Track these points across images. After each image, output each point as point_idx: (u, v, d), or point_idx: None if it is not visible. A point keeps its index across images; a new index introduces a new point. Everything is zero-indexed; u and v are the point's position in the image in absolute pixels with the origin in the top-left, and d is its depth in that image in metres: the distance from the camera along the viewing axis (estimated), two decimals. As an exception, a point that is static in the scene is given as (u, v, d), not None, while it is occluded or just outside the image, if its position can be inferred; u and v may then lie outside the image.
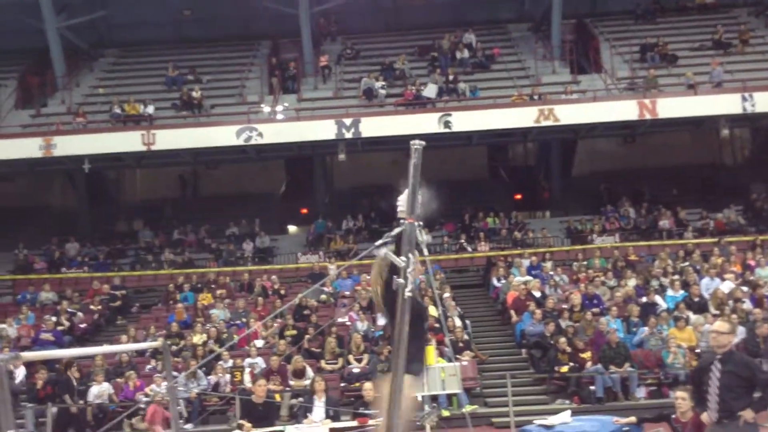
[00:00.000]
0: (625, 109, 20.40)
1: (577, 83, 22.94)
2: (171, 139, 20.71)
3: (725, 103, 20.32)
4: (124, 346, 15.05)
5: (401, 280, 4.56)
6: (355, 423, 11.18)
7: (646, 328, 15.02)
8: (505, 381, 13.93)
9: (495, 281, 18.89)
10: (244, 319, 17.12)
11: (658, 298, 16.31)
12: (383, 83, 22.88)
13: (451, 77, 22.84)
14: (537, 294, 17.04)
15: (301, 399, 13.49)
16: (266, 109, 22.58)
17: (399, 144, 20.39)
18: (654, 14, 26.36)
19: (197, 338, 16.04)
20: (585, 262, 19.65)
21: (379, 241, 4.96)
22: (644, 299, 16.38)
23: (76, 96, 24.03)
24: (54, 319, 17.74)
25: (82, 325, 18.17)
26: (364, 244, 21.56)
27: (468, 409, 13.51)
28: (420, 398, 11.23)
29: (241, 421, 10.85)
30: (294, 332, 16.12)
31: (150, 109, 22.44)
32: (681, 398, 8.16)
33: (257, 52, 26.46)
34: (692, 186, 24.80)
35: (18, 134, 21.53)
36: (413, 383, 4.96)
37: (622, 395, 13.96)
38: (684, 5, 26.74)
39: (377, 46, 26.08)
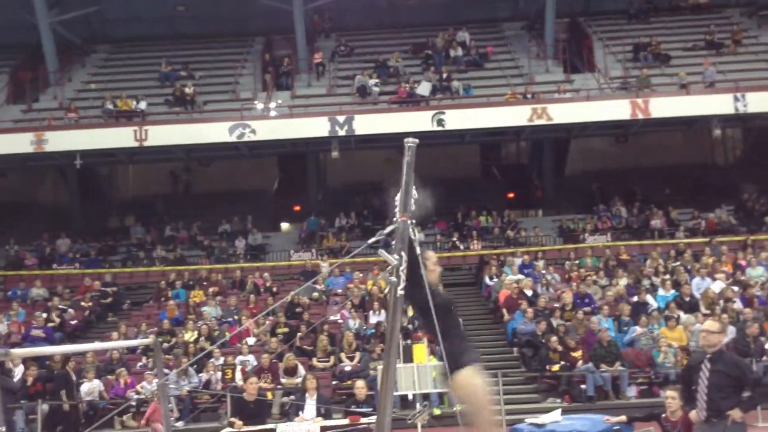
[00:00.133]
0: (617, 109, 20.45)
1: (570, 82, 22.98)
2: (163, 135, 20.63)
3: (717, 103, 20.40)
4: (115, 343, 15.00)
5: (393, 279, 4.56)
6: (346, 421, 11.17)
7: (637, 327, 15.07)
8: (496, 380, 13.95)
9: (487, 280, 18.92)
10: (235, 317, 17.09)
11: (649, 298, 16.37)
12: (377, 81, 22.87)
13: (444, 75, 22.85)
14: (529, 293, 17.08)
15: (292, 397, 13.49)
16: (259, 105, 22.53)
17: (392, 142, 20.38)
18: (647, 14, 26.44)
19: (189, 335, 16.01)
20: (577, 261, 19.71)
21: (372, 239, 4.96)
22: (635, 298, 16.44)
23: (68, 91, 23.93)
24: (45, 315, 17.67)
25: (73, 322, 18.10)
26: (356, 242, 21.57)
27: (459, 407, 13.51)
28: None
29: (232, 419, 10.84)
30: (286, 330, 16.10)
31: (142, 105, 22.36)
32: (671, 397, 8.21)
33: (251, 49, 26.39)
34: (684, 186, 24.89)
35: (9, 129, 21.43)
36: (475, 372, 4.79)
37: (612, 394, 14.02)
38: (677, 5, 26.84)
39: (371, 43, 26.06)
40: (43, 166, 24.37)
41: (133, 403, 14.00)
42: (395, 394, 12.14)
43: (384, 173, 22.13)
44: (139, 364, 15.61)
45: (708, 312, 15.26)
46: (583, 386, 14.03)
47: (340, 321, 16.72)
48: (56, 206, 26.36)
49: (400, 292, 4.54)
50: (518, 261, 19.41)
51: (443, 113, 20.38)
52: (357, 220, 23.59)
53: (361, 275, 18.83)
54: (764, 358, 13.90)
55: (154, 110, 22.65)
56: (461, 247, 22.02)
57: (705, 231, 21.71)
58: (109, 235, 24.30)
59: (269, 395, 13.50)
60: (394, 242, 4.60)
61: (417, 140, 4.61)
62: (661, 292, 16.70)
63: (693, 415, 6.64)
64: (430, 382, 12.43)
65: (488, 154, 28.61)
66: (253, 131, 20.37)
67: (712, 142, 25.88)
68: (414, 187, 4.55)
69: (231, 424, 10.67)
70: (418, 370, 12.55)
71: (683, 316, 15.25)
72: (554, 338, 14.54)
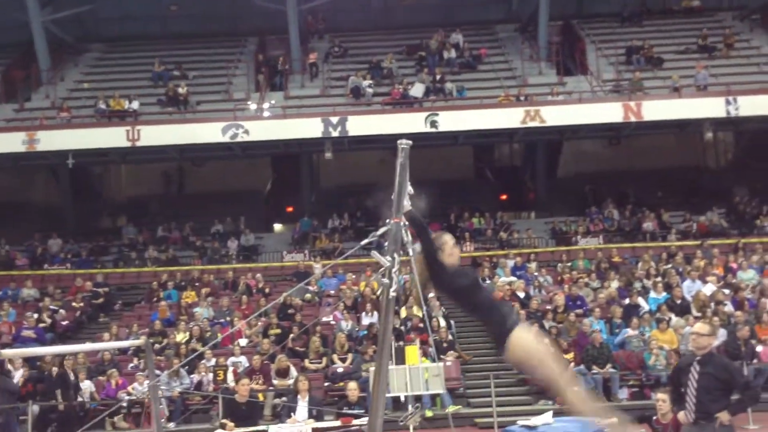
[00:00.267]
0: (610, 111, 20.51)
1: (563, 85, 23.03)
2: (156, 135, 20.56)
3: (709, 107, 20.47)
4: (107, 344, 14.92)
5: (386, 281, 4.56)
6: (338, 423, 11.16)
7: (628, 330, 15.12)
8: (488, 381, 13.97)
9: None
10: (228, 318, 17.05)
11: (640, 300, 16.42)
12: (370, 82, 22.87)
13: (438, 77, 22.87)
14: (521, 295, 17.10)
15: (284, 398, 13.45)
16: (253, 106, 22.50)
17: (386, 143, 20.41)
18: (640, 17, 26.54)
19: (180, 336, 15.95)
20: (569, 264, 19.75)
21: (365, 241, 4.95)
22: (627, 301, 16.48)
23: (60, 90, 23.82)
24: (36, 316, 17.58)
25: (64, 323, 18.01)
26: (349, 243, 21.55)
27: (451, 409, 13.53)
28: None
29: (223, 421, 10.80)
30: (278, 331, 16.07)
31: (135, 105, 22.29)
32: (662, 400, 8.23)
33: (244, 49, 26.35)
34: (676, 188, 24.99)
35: (1, 128, 21.31)
36: (523, 331, 4.67)
37: (604, 396, 14.03)
38: (670, 8, 26.96)
39: (365, 44, 26.06)
40: (35, 166, 24.26)
41: (125, 405, 13.94)
42: (387, 395, 12.12)
43: (377, 175, 22.12)
44: (131, 365, 15.55)
45: (699, 315, 15.32)
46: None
47: (333, 322, 16.71)
48: (48, 206, 26.23)
49: (392, 294, 4.54)
50: (511, 263, 19.45)
51: (437, 115, 20.40)
52: (350, 222, 23.58)
53: (353, 276, 18.82)
54: (755, 361, 13.95)
55: (147, 110, 22.57)
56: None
57: (697, 234, 21.79)
58: (101, 235, 24.22)
59: (261, 397, 13.48)
60: (386, 244, 4.60)
61: (410, 142, 4.61)
62: (652, 294, 16.75)
63: (681, 416, 6.68)
64: (422, 383, 12.42)
65: (481, 156, 28.65)
66: (247, 132, 20.33)
67: (704, 146, 25.98)
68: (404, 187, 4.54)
69: (222, 426, 10.63)
70: (411, 372, 12.54)
71: (674, 318, 15.30)
72: (546, 340, 14.53)
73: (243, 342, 15.99)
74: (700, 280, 17.16)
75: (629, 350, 14.84)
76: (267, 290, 18.85)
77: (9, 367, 14.62)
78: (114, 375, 14.62)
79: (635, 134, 23.42)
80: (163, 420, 12.11)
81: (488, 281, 18.47)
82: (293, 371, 14.41)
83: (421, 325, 15.26)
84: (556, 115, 20.60)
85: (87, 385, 14.43)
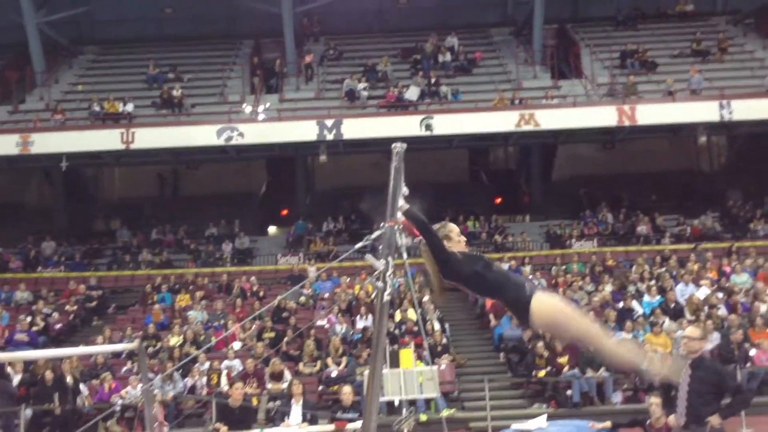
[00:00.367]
0: (604, 115, 20.56)
1: (558, 88, 23.08)
2: (150, 137, 20.52)
3: (703, 111, 20.54)
4: (100, 348, 14.84)
5: (380, 284, 4.55)
6: (332, 427, 11.14)
7: (622, 333, 15.13)
8: (482, 385, 13.98)
9: (474, 285, 18.89)
10: (222, 321, 17.00)
11: (634, 304, 16.44)
12: (366, 85, 22.87)
13: (433, 80, 22.89)
14: (516, 298, 17.07)
15: (278, 402, 13.41)
16: (248, 108, 22.48)
17: (381, 146, 20.36)
18: (634, 21, 26.64)
19: (174, 340, 15.90)
20: (563, 267, 19.78)
21: (359, 244, 4.94)
22: (621, 305, 16.50)
23: (55, 93, 23.76)
24: (29, 319, 17.49)
25: (57, 326, 17.92)
26: (344, 246, 21.53)
27: (445, 413, 13.51)
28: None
29: (217, 425, 10.78)
30: (272, 335, 16.03)
31: (129, 107, 22.24)
32: (655, 404, 8.26)
33: (239, 52, 26.34)
34: (670, 192, 25.06)
35: (-5, 130, 21.24)
36: (542, 297, 4.52)
37: (598, 400, 14.05)
38: (664, 13, 27.05)
39: (360, 47, 26.08)
40: (29, 168, 24.17)
41: (118, 409, 13.87)
42: (381, 399, 12.13)
43: (372, 178, 22.11)
44: (124, 368, 15.47)
45: (693, 318, 15.35)
46: (568, 392, 14.06)
47: (327, 326, 16.67)
48: (41, 208, 26.14)
49: (386, 297, 4.52)
50: (505, 266, 19.44)
51: (431, 118, 20.41)
52: (345, 225, 23.57)
53: (348, 280, 18.81)
54: (748, 364, 13.97)
55: (142, 113, 22.53)
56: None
57: (690, 237, 21.85)
58: (94, 238, 24.14)
59: (255, 401, 13.42)
60: (381, 247, 4.59)
61: (405, 145, 4.61)
62: (646, 298, 16.77)
63: (672, 420, 6.69)
64: (416, 387, 12.41)
65: (476, 159, 28.69)
66: (241, 134, 20.31)
67: (697, 149, 26.07)
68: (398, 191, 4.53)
69: (216, 430, 10.61)
70: (405, 376, 12.53)
71: (667, 322, 15.31)
72: (540, 344, 14.57)
73: (237, 345, 15.94)
74: (693, 283, 17.20)
75: (623, 354, 14.83)
76: (261, 293, 18.81)
77: (9, 370, 14.55)
78: (107, 379, 14.54)
79: (629, 138, 23.48)
80: (157, 424, 12.06)
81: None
82: (287, 375, 14.38)
83: (416, 328, 15.25)
84: (551, 119, 20.64)
85: (80, 389, 14.35)
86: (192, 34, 26.62)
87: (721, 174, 27.05)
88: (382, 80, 23.64)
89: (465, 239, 4.85)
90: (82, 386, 14.41)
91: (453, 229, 4.78)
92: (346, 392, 12.88)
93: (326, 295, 18.58)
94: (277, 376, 14.35)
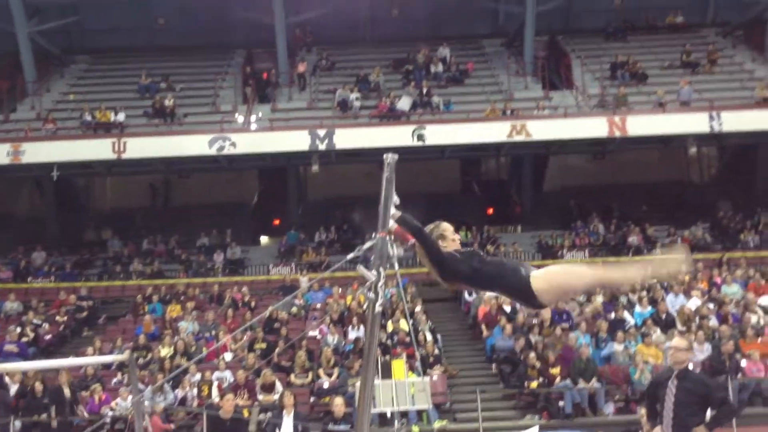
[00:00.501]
0: (595, 126, 20.66)
1: (549, 99, 23.19)
2: (142, 147, 20.49)
3: (693, 122, 20.67)
4: (90, 359, 14.77)
5: (371, 295, 4.54)
6: (323, 438, 11.09)
7: (614, 344, 15.15)
8: (474, 396, 13.95)
9: (466, 295, 18.93)
10: (213, 332, 16.92)
11: (626, 314, 16.47)
12: (358, 95, 22.92)
13: (425, 91, 22.97)
14: (507, 309, 17.10)
15: (269, 414, 13.34)
16: (240, 118, 22.47)
17: (373, 156, 20.34)
18: (624, 33, 26.83)
19: (165, 351, 15.80)
20: (555, 277, 19.75)
21: (351, 255, 4.93)
22: (613, 315, 16.52)
23: (46, 102, 23.70)
24: (18, 330, 17.35)
25: (47, 337, 17.80)
26: (336, 257, 21.48)
27: (438, 424, 13.49)
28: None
29: (208, 436, 10.71)
30: (264, 345, 15.95)
31: (121, 117, 22.20)
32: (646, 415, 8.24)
33: (231, 62, 26.37)
34: (660, 203, 25.17)
35: (-15, 140, 21.15)
36: (538, 273, 4.50)
37: (590, 411, 14.03)
38: (654, 25, 27.26)
39: (352, 58, 26.15)
40: (20, 178, 24.06)
41: (108, 420, 13.76)
42: (373, 411, 12.08)
43: (364, 188, 22.12)
44: (114, 380, 15.36)
45: (684, 329, 15.39)
46: (560, 403, 14.04)
47: (319, 336, 16.61)
48: (32, 218, 26.00)
49: (378, 308, 4.51)
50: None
51: (424, 128, 20.46)
52: (337, 235, 23.54)
53: (340, 290, 18.77)
54: (739, 375, 14.00)
55: (133, 122, 22.49)
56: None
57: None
58: (85, 248, 24.02)
59: (246, 412, 13.35)
60: (372, 258, 4.58)
61: (396, 156, 4.61)
62: (638, 308, 16.81)
63: (658, 431, 6.68)
64: (408, 398, 12.37)
65: (468, 170, 28.76)
66: (233, 144, 20.30)
67: (688, 160, 26.23)
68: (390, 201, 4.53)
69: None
70: (397, 387, 12.50)
71: (655, 333, 15.32)
72: (532, 355, 14.56)
73: (228, 356, 15.87)
74: (683, 294, 17.25)
75: (615, 365, 14.86)
76: (253, 304, 18.74)
77: (7, 380, 14.43)
78: (97, 390, 14.43)
79: (620, 149, 23.60)
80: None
81: (474, 295, 18.48)
82: (279, 386, 14.31)
83: (408, 339, 15.21)
84: (542, 130, 20.72)
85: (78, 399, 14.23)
86: (184, 43, 26.63)
87: (711, 185, 27.21)
88: (375, 90, 23.70)
89: (459, 237, 4.86)
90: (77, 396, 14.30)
91: (447, 228, 4.78)
92: (338, 404, 12.83)
93: (318, 306, 18.53)
94: (269, 388, 14.27)
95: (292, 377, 15.02)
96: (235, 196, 27.08)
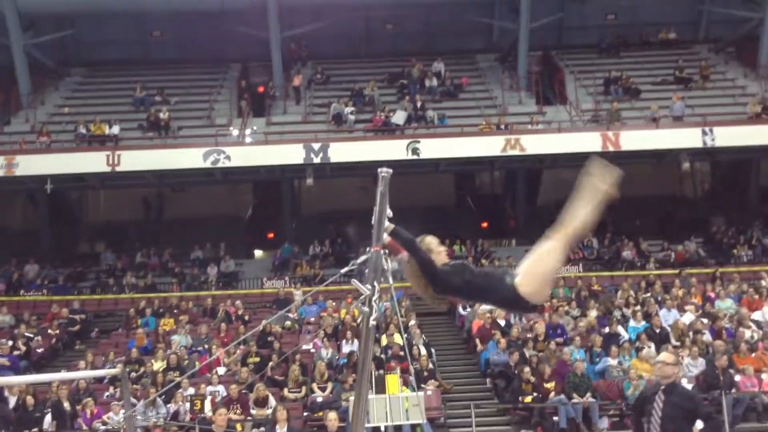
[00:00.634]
0: (589, 141, 20.75)
1: (543, 114, 23.31)
2: (137, 160, 20.46)
3: (686, 137, 20.80)
4: (82, 373, 14.67)
5: (366, 309, 4.53)
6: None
7: (608, 358, 15.14)
8: (469, 411, 13.90)
9: (460, 309, 18.90)
10: (206, 346, 16.83)
11: (620, 329, 16.46)
12: (353, 109, 22.99)
13: (419, 105, 23.05)
14: (502, 323, 17.09)
15: (262, 429, 13.27)
16: (235, 132, 22.49)
17: (367, 170, 20.44)
18: (617, 48, 27.03)
19: (157, 365, 15.70)
20: (549, 292, 19.76)
21: (345, 269, 4.92)
22: (607, 329, 16.52)
23: (40, 114, 23.69)
24: (10, 343, 17.23)
25: (39, 350, 17.68)
26: (330, 270, 21.46)
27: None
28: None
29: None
30: (257, 359, 15.88)
31: (115, 130, 22.19)
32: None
33: (226, 75, 26.44)
34: (654, 217, 25.24)
35: (-21, 153, 21.09)
36: (517, 275, 4.53)
37: (584, 426, 13.99)
38: (647, 40, 27.46)
39: (347, 72, 26.25)
40: (13, 191, 23.99)
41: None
42: (367, 426, 12.02)
43: (359, 201, 22.13)
44: (107, 393, 15.26)
45: (678, 344, 15.39)
46: (555, 418, 14.00)
47: (313, 350, 16.55)
48: (25, 231, 25.92)
49: (372, 322, 4.51)
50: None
51: (418, 142, 20.53)
52: (331, 248, 23.51)
53: (334, 304, 18.72)
54: (733, 390, 14.00)
55: (128, 135, 22.48)
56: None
57: (675, 263, 21.97)
58: (78, 261, 23.91)
59: (239, 427, 13.27)
60: (367, 271, 4.58)
61: (390, 170, 4.61)
62: (632, 323, 16.80)
63: None
64: (402, 413, 12.32)
65: (462, 184, 28.81)
66: (228, 157, 20.30)
67: (681, 175, 26.32)
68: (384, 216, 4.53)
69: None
70: (391, 402, 12.45)
71: (647, 349, 15.30)
72: (527, 369, 14.52)
73: (221, 371, 15.78)
74: (675, 309, 17.26)
75: (609, 379, 14.84)
76: (246, 317, 18.66)
77: (6, 393, 14.31)
78: (89, 404, 14.32)
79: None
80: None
81: (468, 309, 18.46)
82: (272, 401, 14.22)
83: (402, 353, 15.17)
84: (536, 144, 20.81)
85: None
86: (179, 57, 26.71)
87: (704, 200, 27.32)
88: (369, 104, 23.78)
89: (445, 249, 4.87)
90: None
91: (432, 241, 4.78)
92: (332, 418, 12.73)
93: (312, 320, 18.47)
94: (262, 402, 14.19)
95: (286, 391, 14.94)
96: (230, 209, 27.06)
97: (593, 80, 24.39)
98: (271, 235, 26.27)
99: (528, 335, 16.32)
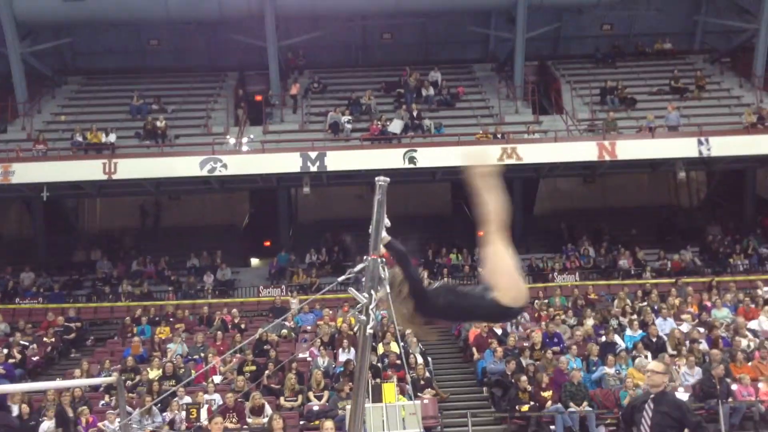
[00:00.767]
0: (585, 150, 20.82)
1: (539, 123, 23.38)
2: (133, 168, 20.44)
3: (682, 147, 20.87)
4: (77, 381, 14.60)
5: (363, 317, 4.53)
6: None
7: (605, 367, 15.14)
8: (465, 420, 13.87)
9: (457, 318, 18.86)
10: (202, 354, 16.79)
11: (617, 338, 16.47)
12: (349, 118, 23.03)
13: (416, 113, 23.10)
14: (499, 331, 17.08)
15: (258, 437, 13.21)
16: (231, 140, 22.51)
17: (364, 178, 20.48)
18: (613, 58, 27.17)
19: (153, 373, 15.65)
20: (546, 300, 19.80)
21: (342, 277, 4.92)
22: (603, 338, 16.52)
23: (37, 122, 23.68)
24: (5, 351, 17.16)
25: (35, 358, 17.61)
26: (327, 278, 21.46)
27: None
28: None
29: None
30: (253, 368, 15.84)
31: (112, 138, 22.19)
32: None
33: (224, 84, 26.48)
34: (650, 226, 25.30)
35: (-25, 160, 21.06)
36: (492, 289, 4.53)
37: (581, 435, 13.97)
38: (642, 51, 27.61)
39: (344, 81, 26.32)
40: (9, 198, 23.95)
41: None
42: (363, 434, 11.98)
43: (355, 210, 22.17)
44: (102, 402, 15.19)
45: (675, 353, 15.40)
46: (552, 427, 13.98)
47: (309, 359, 16.51)
48: (21, 239, 25.86)
49: (369, 331, 4.50)
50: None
51: (415, 151, 20.56)
52: (327, 257, 23.50)
53: (330, 312, 18.69)
54: (730, 399, 14.00)
55: (124, 143, 22.48)
56: (431, 284, 21.99)
57: (671, 272, 22.01)
58: (74, 269, 23.85)
59: (235, 435, 13.22)
60: (363, 280, 4.58)
61: (388, 179, 4.63)
62: (628, 332, 16.81)
63: None
64: (399, 422, 12.29)
65: (459, 192, 28.79)
66: (225, 165, 20.30)
67: (677, 184, 26.42)
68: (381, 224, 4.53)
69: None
70: (387, 410, 12.41)
71: (640, 358, 15.30)
72: (524, 378, 14.51)
73: (217, 379, 15.73)
74: (674, 318, 17.28)
75: (606, 388, 14.83)
76: (243, 326, 18.64)
77: (9, 401, 14.24)
78: (84, 413, 14.24)
79: (610, 173, 23.76)
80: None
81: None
82: (268, 409, 14.18)
83: (399, 361, 15.15)
84: (533, 153, 20.85)
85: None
86: (176, 65, 26.74)
87: (700, 209, 27.41)
88: (366, 113, 23.84)
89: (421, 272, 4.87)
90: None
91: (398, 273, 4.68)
92: (328, 427, 12.68)
93: (308, 328, 18.44)
94: (258, 411, 14.15)
95: (282, 400, 14.90)
96: (226, 217, 27.04)
97: (589, 90, 24.50)
98: (267, 244, 26.25)
99: (525, 344, 16.31)
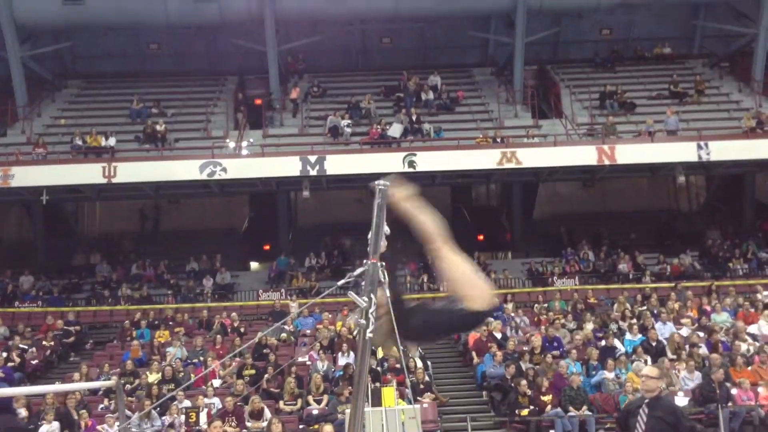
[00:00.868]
0: (584, 154, 20.84)
1: (539, 127, 23.40)
2: (133, 172, 20.45)
3: (681, 151, 20.89)
4: (77, 385, 14.58)
5: (362, 321, 4.53)
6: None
7: (604, 371, 15.13)
8: (465, 424, 13.86)
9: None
10: (201, 358, 16.78)
11: (616, 342, 16.46)
12: (349, 121, 23.05)
13: (415, 117, 23.12)
14: (498, 335, 17.07)
15: (258, 441, 13.20)
16: (231, 144, 22.52)
17: (364, 182, 20.42)
18: (613, 63, 27.20)
19: (152, 377, 15.64)
20: (546, 305, 19.80)
21: (342, 281, 4.91)
22: (603, 342, 16.51)
23: (37, 126, 23.69)
24: (5, 354, 17.16)
25: (34, 362, 17.60)
26: (326, 282, 21.45)
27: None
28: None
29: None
30: (253, 372, 15.83)
31: (111, 141, 22.20)
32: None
33: (223, 87, 26.50)
34: (649, 230, 25.32)
35: (-25, 164, 21.06)
36: (468, 301, 4.53)
37: (581, 439, 13.96)
38: (641, 55, 27.66)
39: (344, 85, 26.35)
40: (8, 202, 23.95)
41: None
42: (363, 438, 11.96)
43: (355, 214, 22.16)
44: (101, 406, 15.17)
45: (674, 357, 15.40)
46: (552, 431, 13.97)
47: (309, 363, 16.50)
48: (20, 242, 25.85)
49: (369, 334, 4.50)
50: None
51: (414, 155, 20.57)
52: (327, 261, 23.50)
53: (330, 316, 18.69)
54: (730, 404, 13.99)
55: (124, 147, 22.49)
56: (431, 288, 22.00)
57: (670, 276, 22.01)
58: (73, 272, 23.84)
59: (234, 439, 13.20)
60: (363, 284, 4.57)
61: (388, 183, 4.63)
62: (628, 336, 16.80)
63: None
64: (398, 426, 12.27)
65: (458, 196, 28.85)
66: (224, 169, 20.31)
67: (676, 189, 26.45)
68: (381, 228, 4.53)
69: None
70: (387, 414, 12.40)
71: (638, 362, 15.28)
72: (523, 382, 14.50)
73: (217, 383, 15.72)
74: (674, 322, 17.27)
75: (605, 392, 14.82)
76: (242, 330, 18.62)
77: (15, 404, 14.23)
78: (84, 416, 14.24)
79: (609, 177, 23.78)
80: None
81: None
82: (267, 413, 14.17)
83: (398, 366, 15.14)
84: (532, 157, 20.87)
85: (55, 427, 14.02)
86: (176, 69, 26.77)
87: (699, 213, 27.42)
88: (366, 117, 23.86)
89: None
90: (56, 424, 14.08)
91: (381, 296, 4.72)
92: (327, 431, 12.71)
93: (308, 332, 18.43)
94: (257, 415, 14.13)
95: (281, 404, 14.89)
96: (226, 221, 27.04)
97: (588, 94, 24.54)
98: (267, 247, 26.25)
99: (524, 348, 16.31)
